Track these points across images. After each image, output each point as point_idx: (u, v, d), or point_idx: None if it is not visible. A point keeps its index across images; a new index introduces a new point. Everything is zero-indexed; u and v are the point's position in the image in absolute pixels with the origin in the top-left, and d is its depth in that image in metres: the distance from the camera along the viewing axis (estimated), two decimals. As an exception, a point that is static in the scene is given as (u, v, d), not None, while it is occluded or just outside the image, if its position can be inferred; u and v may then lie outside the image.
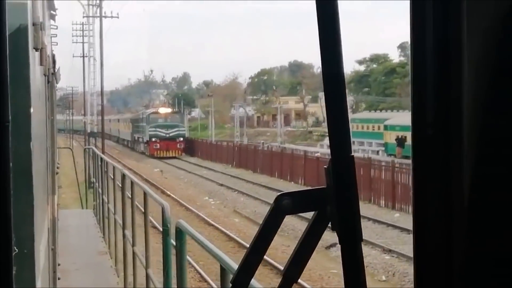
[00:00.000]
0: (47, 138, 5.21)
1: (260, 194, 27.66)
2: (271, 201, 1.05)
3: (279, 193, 1.05)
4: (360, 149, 38.55)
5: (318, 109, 67.32)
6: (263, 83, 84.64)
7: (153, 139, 54.03)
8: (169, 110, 60.27)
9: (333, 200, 1.02)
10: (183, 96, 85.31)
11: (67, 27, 58.66)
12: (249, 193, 28.53)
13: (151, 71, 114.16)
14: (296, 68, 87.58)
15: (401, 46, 73.63)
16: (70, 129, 75.47)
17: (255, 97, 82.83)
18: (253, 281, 1.13)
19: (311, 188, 1.07)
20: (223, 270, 3.57)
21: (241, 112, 68.12)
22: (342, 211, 1.02)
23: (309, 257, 1.06)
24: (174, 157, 52.22)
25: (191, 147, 55.31)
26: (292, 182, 32.22)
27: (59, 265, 8.26)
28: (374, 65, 65.23)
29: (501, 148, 0.92)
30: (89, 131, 56.14)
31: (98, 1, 45.96)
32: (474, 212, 0.94)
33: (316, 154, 32.65)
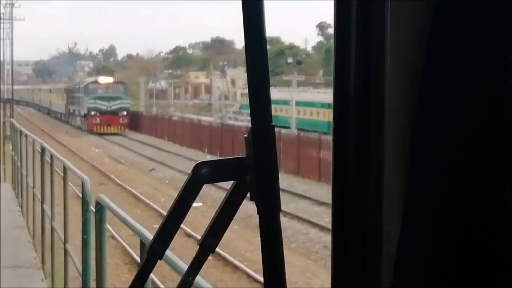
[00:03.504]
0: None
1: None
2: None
3: (197, 162, 1.03)
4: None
5: (224, 84, 70.68)
6: (178, 59, 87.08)
7: (92, 113, 47.37)
8: (110, 79, 52.70)
9: (253, 169, 1.00)
10: (103, 69, 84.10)
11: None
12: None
13: (75, 43, 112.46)
14: (218, 44, 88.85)
15: (320, 25, 75.56)
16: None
17: (170, 71, 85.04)
18: (168, 252, 1.10)
19: (230, 157, 1.05)
20: (143, 245, 3.54)
21: (157, 85, 72.17)
22: (261, 181, 1.00)
23: (226, 227, 1.05)
24: (116, 134, 46.15)
25: (135, 122, 49.34)
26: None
27: (-26, 239, 8.03)
28: (268, 47, 67.36)
29: (420, 140, 0.92)
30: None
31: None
32: (393, 188, 0.94)
33: (202, 121, 39.39)
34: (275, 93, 37.54)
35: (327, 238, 15.39)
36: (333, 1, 0.96)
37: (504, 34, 0.88)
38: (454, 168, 0.90)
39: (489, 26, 0.89)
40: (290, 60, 50.84)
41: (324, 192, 20.82)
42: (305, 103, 37.26)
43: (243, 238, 15.30)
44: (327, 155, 23.72)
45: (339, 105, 0.98)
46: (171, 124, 42.29)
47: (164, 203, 19.47)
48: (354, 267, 0.97)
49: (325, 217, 17.25)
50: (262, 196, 1.01)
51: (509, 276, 0.88)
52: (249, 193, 1.02)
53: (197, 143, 35.78)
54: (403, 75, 0.93)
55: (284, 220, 15.97)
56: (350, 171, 0.96)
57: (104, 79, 51.50)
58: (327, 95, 37.74)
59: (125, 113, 47.99)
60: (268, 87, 1.01)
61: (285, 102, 37.68)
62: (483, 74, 0.89)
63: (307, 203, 19.60)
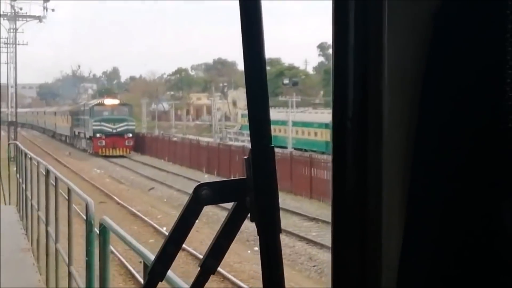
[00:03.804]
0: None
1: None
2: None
3: (198, 183, 1.04)
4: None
5: (226, 105, 71.88)
6: (180, 81, 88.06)
7: (98, 135, 46.33)
8: (116, 101, 51.60)
9: (253, 191, 1.01)
10: (105, 91, 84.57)
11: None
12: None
13: (79, 66, 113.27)
14: (220, 65, 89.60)
15: (321, 46, 76.13)
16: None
17: (172, 92, 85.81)
18: (169, 272, 1.11)
19: (231, 178, 1.07)
20: (146, 267, 3.54)
21: (160, 107, 73.21)
22: (261, 202, 1.01)
23: (227, 248, 1.05)
24: (122, 156, 44.99)
25: (144, 145, 48.19)
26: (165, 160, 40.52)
27: (-22, 261, 8.01)
28: (268, 68, 67.52)
29: (419, 143, 0.93)
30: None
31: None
32: (391, 205, 0.94)
33: (201, 141, 40.08)
34: (274, 114, 37.84)
35: (312, 250, 16.17)
36: (331, 3, 0.98)
37: (504, 34, 0.88)
38: (455, 170, 0.90)
39: (488, 26, 0.89)
40: (286, 81, 51.27)
41: (314, 208, 21.73)
42: (302, 123, 37.66)
43: (233, 251, 15.44)
44: (319, 173, 24.54)
45: (338, 108, 0.98)
46: (171, 145, 42.67)
47: (160, 220, 20.28)
48: (353, 269, 0.97)
49: (313, 232, 18.01)
50: (262, 217, 1.02)
51: (510, 276, 0.88)
52: (249, 214, 1.03)
53: (195, 163, 36.38)
54: (402, 76, 0.93)
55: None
56: (350, 174, 0.97)
57: (110, 101, 50.47)
58: (324, 115, 38.10)
59: (130, 135, 47.20)
60: (268, 109, 1.01)
61: (283, 123, 38.05)
62: (482, 74, 0.89)
63: (298, 218, 20.07)
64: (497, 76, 0.89)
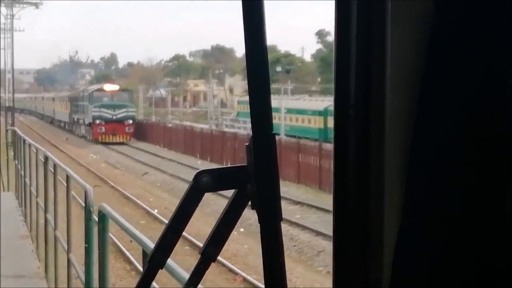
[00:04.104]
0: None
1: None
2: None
3: (198, 170, 1.04)
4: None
5: (223, 92, 72.84)
6: (177, 67, 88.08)
7: (97, 121, 45.04)
8: (116, 87, 50.05)
9: (254, 178, 1.00)
10: (103, 77, 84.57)
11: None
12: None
13: (76, 52, 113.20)
14: (218, 52, 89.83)
15: (319, 33, 76.08)
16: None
17: (169, 79, 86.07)
18: (169, 261, 1.10)
19: (231, 166, 1.06)
20: (146, 254, 3.54)
21: (157, 93, 73.56)
22: (262, 190, 1.01)
23: (228, 236, 1.05)
24: (122, 143, 43.87)
25: (140, 131, 46.98)
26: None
27: (-24, 248, 8.03)
28: None
29: (421, 132, 0.93)
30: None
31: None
32: (393, 191, 0.95)
33: (195, 128, 40.62)
34: None
35: (294, 232, 16.67)
36: (334, 3, 0.98)
37: (508, 33, 0.88)
38: (455, 170, 0.90)
39: (492, 24, 0.89)
40: (279, 68, 51.66)
41: (301, 193, 22.28)
42: (296, 110, 38.01)
43: None
44: (306, 159, 25.12)
45: (340, 107, 0.98)
46: (166, 131, 42.89)
47: (152, 203, 21.22)
48: (355, 269, 0.98)
49: (297, 215, 18.57)
50: (263, 204, 1.01)
51: (509, 276, 0.88)
52: (250, 201, 1.02)
53: (190, 149, 36.97)
54: (404, 75, 0.95)
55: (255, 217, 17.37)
56: (351, 174, 0.97)
57: (109, 87, 49.23)
58: (318, 103, 38.49)
59: (131, 121, 46.06)
60: (269, 96, 1.01)
61: (276, 110, 38.09)
62: (485, 73, 0.89)
63: (284, 202, 20.69)
64: (499, 75, 0.89)
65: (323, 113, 35.88)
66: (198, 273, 1.06)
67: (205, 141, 35.51)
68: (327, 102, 38.49)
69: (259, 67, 1.00)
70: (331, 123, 41.13)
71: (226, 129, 41.60)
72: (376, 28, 0.95)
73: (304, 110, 37.64)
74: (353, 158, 0.97)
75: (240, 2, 0.99)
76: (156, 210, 19.30)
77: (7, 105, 50.11)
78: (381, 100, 0.95)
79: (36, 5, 48.60)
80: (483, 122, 0.89)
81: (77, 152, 37.84)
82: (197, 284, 1.07)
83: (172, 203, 19.02)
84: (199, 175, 1.03)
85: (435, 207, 0.92)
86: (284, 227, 17.14)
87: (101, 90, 48.19)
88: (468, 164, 0.90)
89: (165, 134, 42.64)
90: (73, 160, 31.96)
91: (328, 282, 14.87)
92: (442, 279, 0.91)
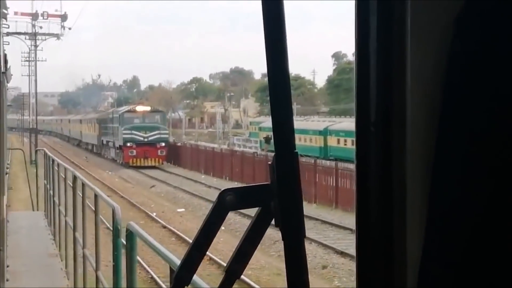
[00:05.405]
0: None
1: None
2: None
3: (222, 189, 1.05)
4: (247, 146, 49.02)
5: (237, 113, 75.79)
6: (196, 90, 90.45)
7: (128, 144, 43.08)
8: (147, 108, 48.07)
9: (277, 196, 1.01)
10: (124, 100, 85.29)
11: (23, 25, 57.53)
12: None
13: (99, 75, 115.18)
14: (237, 74, 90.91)
15: (336, 55, 77.03)
16: (21, 128, 73.83)
17: (188, 101, 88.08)
18: (195, 277, 1.15)
19: (255, 184, 1.07)
20: (172, 271, 3.58)
21: (176, 115, 76.25)
22: (286, 207, 1.02)
23: (252, 254, 1.06)
24: (154, 167, 42.36)
25: (173, 154, 45.21)
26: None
27: (8, 266, 8.14)
28: None
29: (443, 146, 0.93)
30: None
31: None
32: (415, 209, 0.95)
33: (213, 148, 42.99)
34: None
35: (277, 235, 17.15)
36: (354, 7, 0.99)
37: None
38: (478, 182, 0.90)
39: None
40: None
41: None
42: (299, 130, 39.04)
43: (226, 242, 16.49)
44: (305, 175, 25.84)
45: (362, 112, 0.98)
46: (175, 149, 45.37)
47: (153, 208, 24.84)
48: (379, 272, 0.98)
49: None
50: (286, 221, 1.02)
51: None
52: (274, 219, 1.03)
53: (196, 165, 40.30)
54: (425, 81, 0.94)
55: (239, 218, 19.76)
56: (374, 190, 0.98)
57: (141, 108, 47.18)
58: (319, 123, 41.27)
59: (163, 144, 43.75)
60: (291, 115, 1.02)
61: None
62: (507, 78, 0.88)
63: None
64: None
65: (323, 133, 38.30)
66: None
67: (209, 158, 38.94)
68: (328, 122, 41.19)
69: (281, 88, 1.00)
70: (330, 142, 38.34)
71: (236, 148, 43.65)
72: (397, 44, 0.95)
73: (306, 130, 39.24)
74: (375, 175, 0.97)
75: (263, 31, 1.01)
76: (154, 214, 23.11)
77: (31, 126, 52.23)
78: (402, 116, 0.95)
79: (58, 36, 51.29)
80: (508, 130, 0.88)
81: (91, 169, 39.02)
82: None
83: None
84: (223, 193, 1.04)
85: (459, 219, 0.91)
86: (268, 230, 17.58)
87: (132, 111, 46.19)
88: (492, 176, 0.89)
89: (173, 151, 44.70)
90: (88, 175, 32.91)
91: (276, 262, 15.61)
92: (468, 283, 0.91)
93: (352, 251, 16.98)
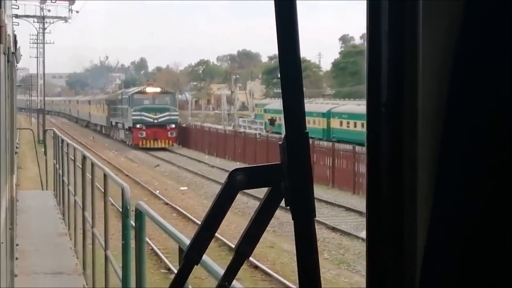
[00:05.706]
0: (6, 118, 5.16)
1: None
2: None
3: (233, 169, 1.05)
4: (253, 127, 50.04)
5: (244, 95, 76.66)
6: (203, 72, 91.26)
7: (138, 126, 42.57)
8: (157, 89, 47.06)
9: (287, 176, 1.02)
10: (132, 82, 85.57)
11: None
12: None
13: (107, 57, 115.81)
14: (244, 56, 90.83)
15: (343, 38, 77.03)
16: (29, 108, 74.24)
17: (195, 83, 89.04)
18: (204, 257, 1.14)
19: (265, 164, 1.07)
20: (182, 251, 3.60)
21: (182, 97, 75.93)
22: (296, 188, 1.02)
23: (262, 234, 1.06)
24: (164, 149, 41.85)
25: (183, 136, 44.77)
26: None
27: (17, 245, 8.20)
28: None
29: (455, 129, 0.93)
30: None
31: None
32: (426, 190, 0.95)
33: (217, 129, 43.35)
34: (277, 104, 41.99)
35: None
36: (365, 3, 0.98)
37: None
38: (486, 171, 0.90)
39: None
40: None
41: None
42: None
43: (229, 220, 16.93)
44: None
45: (372, 105, 0.98)
46: (180, 130, 45.42)
47: (156, 186, 25.99)
48: (389, 269, 0.98)
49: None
50: (297, 202, 1.02)
51: None
52: (284, 199, 1.04)
53: (200, 146, 41.42)
54: (436, 73, 0.94)
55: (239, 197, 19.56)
56: (384, 172, 0.98)
57: (150, 89, 46.21)
58: (323, 105, 41.23)
59: (173, 126, 43.35)
60: (302, 96, 1.02)
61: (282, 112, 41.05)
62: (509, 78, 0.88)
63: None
64: None
65: (326, 115, 38.56)
66: (232, 269, 1.07)
67: (213, 139, 40.00)
68: (331, 105, 41.40)
69: (292, 69, 1.01)
70: (333, 124, 38.79)
71: (241, 130, 44.00)
72: (408, 26, 0.95)
73: (310, 112, 39.28)
74: (386, 157, 0.97)
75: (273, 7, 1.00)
76: (158, 191, 23.99)
77: (38, 107, 53.38)
78: (413, 98, 0.94)
79: (66, 19, 51.60)
80: (508, 132, 0.88)
81: (99, 149, 39.76)
82: (232, 280, 1.08)
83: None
84: (234, 173, 1.03)
85: (465, 207, 0.91)
86: (255, 203, 18.04)
87: (142, 92, 45.50)
88: (499, 165, 0.89)
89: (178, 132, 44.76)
90: (96, 155, 32.94)
91: (271, 237, 15.69)
92: (471, 282, 0.91)
93: (344, 227, 17.56)
